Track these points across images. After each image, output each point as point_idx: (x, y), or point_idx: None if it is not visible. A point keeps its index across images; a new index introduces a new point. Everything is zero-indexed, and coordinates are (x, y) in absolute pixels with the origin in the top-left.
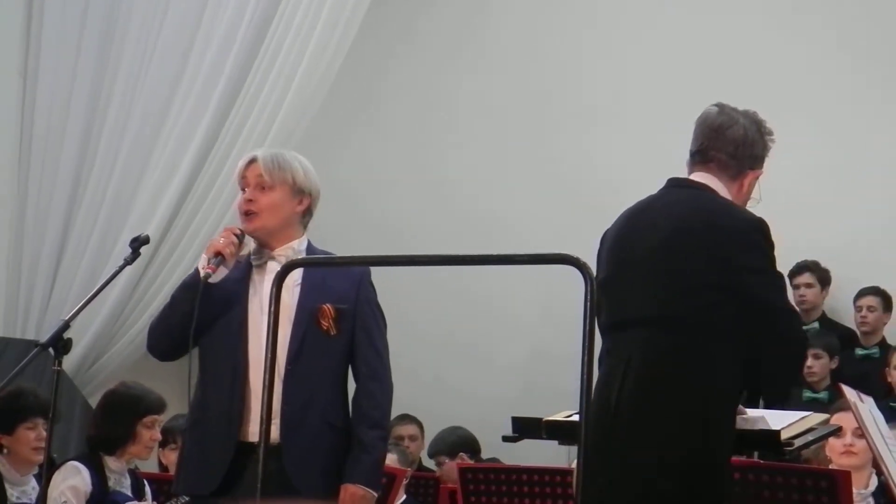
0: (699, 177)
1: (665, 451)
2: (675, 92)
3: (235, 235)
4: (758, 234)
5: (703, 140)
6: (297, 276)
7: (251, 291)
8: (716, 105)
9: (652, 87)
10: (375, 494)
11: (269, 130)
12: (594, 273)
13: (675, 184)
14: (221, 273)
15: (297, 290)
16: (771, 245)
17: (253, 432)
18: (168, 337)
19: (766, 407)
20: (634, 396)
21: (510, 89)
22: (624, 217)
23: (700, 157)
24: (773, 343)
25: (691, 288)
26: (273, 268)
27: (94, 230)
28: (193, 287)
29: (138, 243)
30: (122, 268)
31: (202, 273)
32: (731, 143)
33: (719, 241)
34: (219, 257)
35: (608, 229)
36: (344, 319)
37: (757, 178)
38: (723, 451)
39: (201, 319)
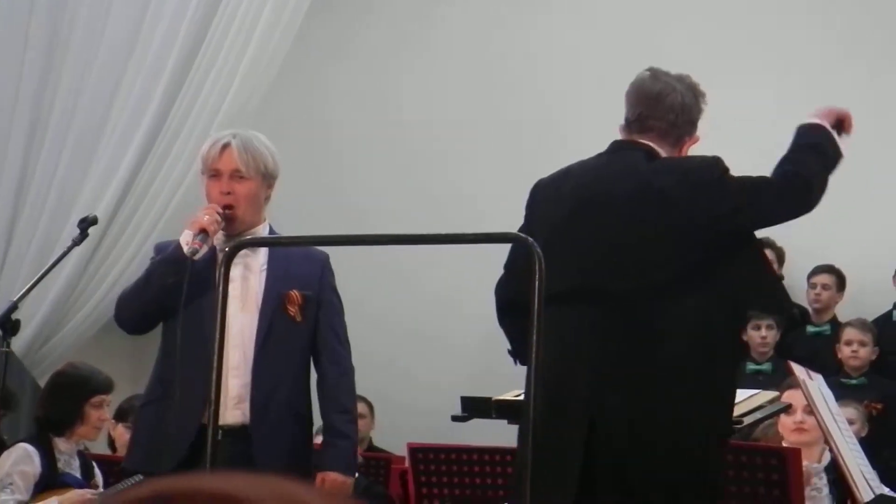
0: (643, 141)
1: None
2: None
3: (218, 213)
4: (721, 173)
5: (640, 108)
6: (262, 260)
7: (218, 277)
8: (648, 70)
9: (612, 70)
10: (352, 480)
11: (220, 108)
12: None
13: (623, 146)
14: (203, 250)
15: (263, 275)
16: (728, 172)
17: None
18: (142, 310)
19: None
20: (613, 375)
21: (465, 65)
22: (571, 179)
23: (638, 125)
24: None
25: (666, 257)
26: (240, 253)
27: (43, 210)
28: (175, 262)
29: (86, 224)
30: (70, 248)
31: (187, 249)
32: (670, 110)
33: (695, 201)
34: (203, 233)
35: (541, 182)
36: (308, 306)
37: (694, 143)
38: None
39: (178, 297)
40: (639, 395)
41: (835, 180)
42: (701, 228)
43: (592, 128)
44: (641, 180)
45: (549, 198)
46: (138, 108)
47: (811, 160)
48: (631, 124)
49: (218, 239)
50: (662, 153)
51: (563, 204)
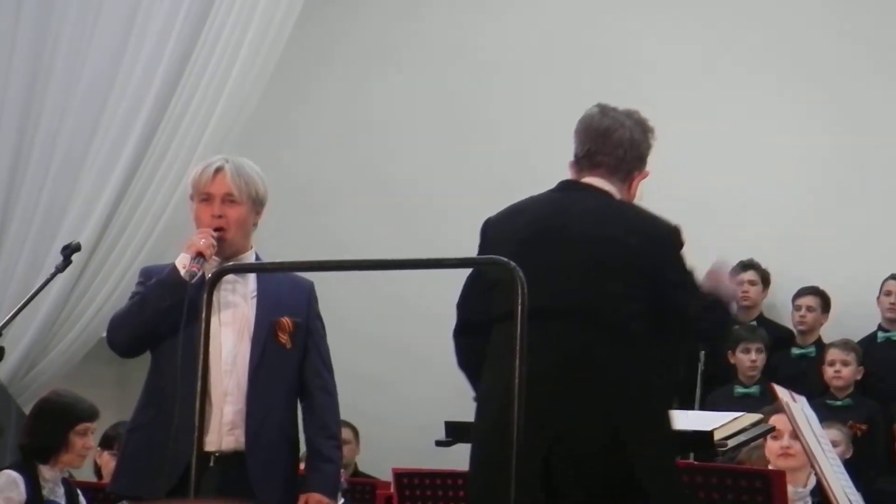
0: (595, 181)
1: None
2: (609, 91)
3: (212, 237)
4: (679, 245)
5: (589, 144)
6: (252, 287)
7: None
8: (597, 106)
9: (588, 85)
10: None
11: (203, 135)
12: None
13: (573, 187)
14: (200, 274)
15: (254, 302)
16: (682, 247)
17: (209, 441)
18: (136, 333)
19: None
20: (564, 394)
21: (444, 88)
22: (524, 214)
23: (587, 161)
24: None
25: (617, 295)
26: (229, 279)
27: (27, 237)
28: (172, 285)
29: (69, 251)
30: (53, 276)
31: (185, 272)
32: (619, 146)
33: (647, 253)
34: (200, 257)
35: (491, 219)
36: (298, 334)
37: (643, 178)
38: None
39: (172, 320)
40: (593, 414)
41: (819, 202)
42: (649, 278)
43: (566, 149)
44: (595, 220)
45: (503, 229)
46: (122, 133)
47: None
48: (580, 160)
49: (208, 264)
50: (614, 190)
51: (518, 234)
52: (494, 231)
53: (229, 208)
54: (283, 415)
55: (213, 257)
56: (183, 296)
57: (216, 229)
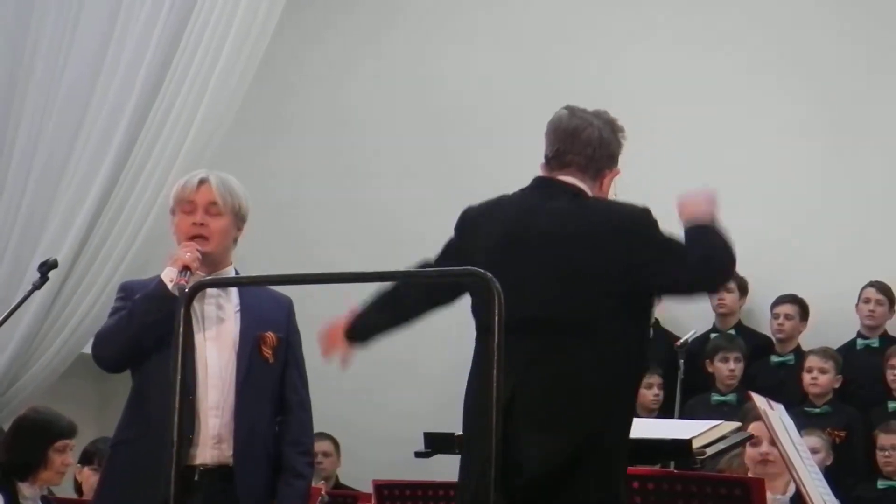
0: (567, 178)
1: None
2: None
3: (197, 250)
4: (651, 224)
5: (558, 144)
6: (235, 302)
7: (192, 319)
8: (565, 108)
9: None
10: None
11: (181, 149)
12: (501, 289)
13: (546, 184)
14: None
15: (237, 317)
16: (657, 225)
17: (196, 455)
18: (124, 347)
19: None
20: (534, 399)
21: (420, 104)
22: (501, 208)
23: (557, 161)
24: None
25: (592, 293)
26: (212, 294)
27: (7, 249)
28: (160, 299)
29: (46, 268)
30: (30, 293)
31: (172, 286)
32: (588, 144)
33: (621, 245)
34: (186, 270)
35: (471, 210)
36: (280, 349)
37: (615, 176)
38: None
39: (159, 334)
40: (591, 419)
41: (799, 209)
42: (618, 273)
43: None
44: (567, 219)
45: (479, 225)
46: (104, 135)
47: (717, 244)
48: (550, 161)
49: (194, 277)
50: (585, 188)
51: (491, 238)
52: (471, 225)
53: (212, 219)
54: (266, 429)
55: (198, 271)
56: (171, 309)
57: (196, 236)
